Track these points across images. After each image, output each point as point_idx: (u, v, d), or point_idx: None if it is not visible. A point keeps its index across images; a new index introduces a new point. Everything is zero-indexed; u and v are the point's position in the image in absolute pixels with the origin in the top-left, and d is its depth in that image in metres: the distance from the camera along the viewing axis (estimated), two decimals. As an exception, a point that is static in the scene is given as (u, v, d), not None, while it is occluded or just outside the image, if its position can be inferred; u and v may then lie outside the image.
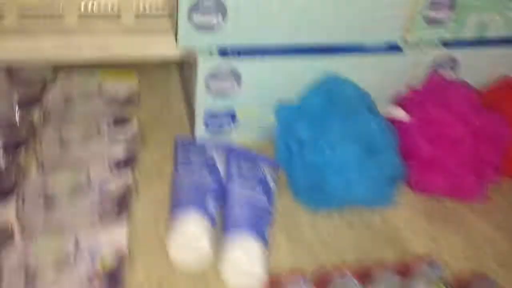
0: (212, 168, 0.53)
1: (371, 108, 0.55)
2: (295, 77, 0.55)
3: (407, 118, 0.56)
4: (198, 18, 0.50)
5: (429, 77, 0.60)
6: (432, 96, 0.56)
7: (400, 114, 0.56)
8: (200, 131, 0.57)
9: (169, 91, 0.66)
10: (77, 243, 0.44)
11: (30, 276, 0.41)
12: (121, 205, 0.49)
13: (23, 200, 0.47)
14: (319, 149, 0.51)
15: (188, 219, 0.47)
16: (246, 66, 0.52)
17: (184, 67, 0.64)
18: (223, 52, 0.52)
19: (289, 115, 0.54)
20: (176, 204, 0.49)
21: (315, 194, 0.53)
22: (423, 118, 0.55)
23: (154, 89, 0.66)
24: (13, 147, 0.54)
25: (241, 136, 0.59)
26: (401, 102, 0.58)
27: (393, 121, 0.56)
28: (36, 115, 0.59)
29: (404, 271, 0.48)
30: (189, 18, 0.49)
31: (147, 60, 0.67)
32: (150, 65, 0.69)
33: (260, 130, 0.59)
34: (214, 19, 0.50)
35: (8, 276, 0.41)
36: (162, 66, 0.70)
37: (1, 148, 0.53)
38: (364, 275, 0.47)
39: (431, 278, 0.47)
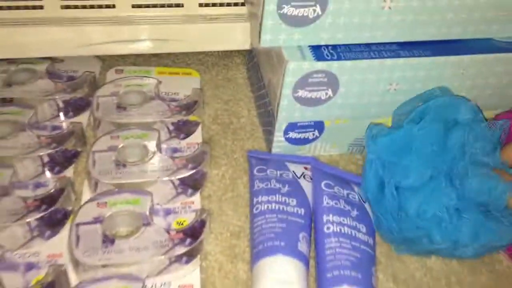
0: (298, 189, 0.44)
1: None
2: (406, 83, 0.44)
3: None
4: (289, 9, 0.39)
5: None
6: None
7: None
8: (279, 144, 0.48)
9: (235, 90, 0.57)
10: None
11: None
12: (192, 240, 0.40)
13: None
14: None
15: (278, 262, 0.37)
16: (345, 70, 0.42)
17: (254, 60, 0.53)
18: (318, 53, 0.42)
19: (389, 146, 0.42)
20: (257, 248, 0.40)
21: (411, 245, 0.42)
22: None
23: (217, 88, 0.57)
24: (63, 160, 0.45)
25: (326, 150, 0.49)
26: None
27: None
28: (85, 121, 0.50)
29: None
30: (279, 8, 0.39)
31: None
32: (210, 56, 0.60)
33: (350, 145, 0.49)
34: (310, 11, 0.40)
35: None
36: (224, 56, 0.60)
37: (49, 164, 0.45)
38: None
39: None
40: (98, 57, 0.58)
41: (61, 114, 0.50)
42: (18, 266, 0.38)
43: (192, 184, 0.45)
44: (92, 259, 0.37)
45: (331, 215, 0.42)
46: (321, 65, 0.41)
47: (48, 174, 0.45)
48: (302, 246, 0.39)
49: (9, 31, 0.48)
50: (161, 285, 0.38)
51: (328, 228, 0.41)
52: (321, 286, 0.38)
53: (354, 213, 0.43)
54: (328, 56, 0.42)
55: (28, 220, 0.39)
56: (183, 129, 0.50)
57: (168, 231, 0.40)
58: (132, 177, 0.43)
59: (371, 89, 0.44)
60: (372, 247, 0.41)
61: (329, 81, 0.42)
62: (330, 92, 0.43)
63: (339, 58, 0.41)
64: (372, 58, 0.42)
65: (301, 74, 0.41)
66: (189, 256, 0.39)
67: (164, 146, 0.48)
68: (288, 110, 0.44)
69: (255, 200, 0.43)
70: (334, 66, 0.41)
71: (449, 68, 0.44)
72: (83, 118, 0.51)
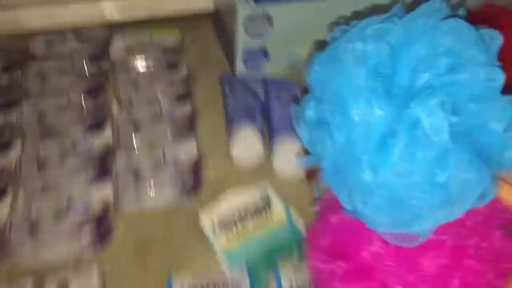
0: (254, 93, 0.68)
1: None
2: (321, 16, 0.67)
3: None
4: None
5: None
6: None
7: None
8: (240, 68, 0.71)
9: (207, 41, 0.80)
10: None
11: (33, 226, 0.52)
12: (190, 125, 0.64)
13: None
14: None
15: (243, 129, 0.62)
16: (276, 10, 0.66)
17: (218, 20, 0.77)
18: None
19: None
20: (231, 121, 0.64)
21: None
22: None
23: (194, 40, 0.80)
24: (95, 90, 0.68)
25: (272, 69, 0.73)
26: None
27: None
28: (104, 65, 0.73)
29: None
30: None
31: (185, 15, 0.80)
32: (187, 20, 0.83)
33: (289, 64, 0.73)
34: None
35: (16, 227, 0.52)
36: (198, 20, 0.83)
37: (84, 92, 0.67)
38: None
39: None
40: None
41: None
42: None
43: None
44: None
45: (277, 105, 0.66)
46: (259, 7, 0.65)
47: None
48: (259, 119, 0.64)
49: None
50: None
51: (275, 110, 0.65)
52: (272, 138, 0.62)
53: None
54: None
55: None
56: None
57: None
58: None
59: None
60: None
61: (265, 18, 0.66)
62: (268, 27, 0.67)
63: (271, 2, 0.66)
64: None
65: (247, 14, 0.65)
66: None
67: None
68: (243, 42, 0.68)
69: (228, 98, 0.67)
70: (269, 7, 0.66)
71: None
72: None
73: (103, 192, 0.55)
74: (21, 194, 0.55)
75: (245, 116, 0.64)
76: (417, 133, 0.37)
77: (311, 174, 0.60)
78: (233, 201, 0.57)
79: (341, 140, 0.41)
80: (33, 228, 0.52)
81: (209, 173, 0.61)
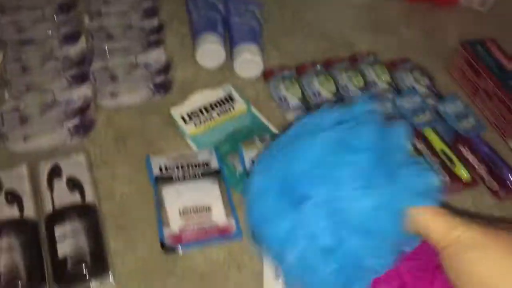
0: (215, 8, 0.75)
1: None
2: None
3: None
4: None
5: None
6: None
7: None
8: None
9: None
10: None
11: (22, 118, 0.58)
12: (158, 36, 0.70)
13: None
14: None
15: (207, 37, 0.69)
16: None
17: None
18: None
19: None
20: (196, 31, 0.71)
21: None
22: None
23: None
24: (67, 5, 0.73)
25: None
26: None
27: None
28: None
29: (354, 60, 0.73)
30: None
31: None
32: None
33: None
34: None
35: (7, 119, 0.58)
36: None
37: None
38: (327, 64, 0.71)
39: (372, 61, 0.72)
40: None
41: None
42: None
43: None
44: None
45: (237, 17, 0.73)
46: None
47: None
48: (220, 29, 0.71)
49: None
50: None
51: (234, 22, 0.72)
52: (232, 46, 0.69)
53: (251, 17, 0.74)
54: None
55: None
56: None
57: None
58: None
59: None
60: (261, 32, 0.73)
61: None
62: None
63: None
64: None
65: None
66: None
67: None
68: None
69: (193, 13, 0.74)
70: None
71: None
72: None
73: (83, 91, 0.62)
74: (7, 93, 0.61)
75: (208, 27, 0.71)
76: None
77: (268, 74, 0.69)
78: (200, 97, 0.65)
79: None
80: (23, 120, 0.59)
81: (178, 76, 0.68)
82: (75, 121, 0.59)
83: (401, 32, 0.79)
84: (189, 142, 0.61)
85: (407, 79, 0.69)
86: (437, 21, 0.82)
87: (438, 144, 0.61)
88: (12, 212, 0.52)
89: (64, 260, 0.49)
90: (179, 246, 0.52)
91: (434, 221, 0.37)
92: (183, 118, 0.62)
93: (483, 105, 0.67)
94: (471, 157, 0.61)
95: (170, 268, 0.51)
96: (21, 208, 0.53)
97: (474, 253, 0.33)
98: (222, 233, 0.52)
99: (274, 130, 0.62)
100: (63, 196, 0.53)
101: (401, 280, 0.41)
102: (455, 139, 0.62)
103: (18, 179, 0.55)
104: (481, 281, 0.32)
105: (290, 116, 0.65)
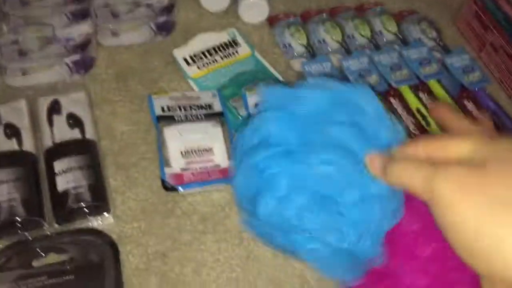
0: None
1: None
2: None
3: None
4: None
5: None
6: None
7: None
8: None
9: None
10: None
11: (20, 52, 0.57)
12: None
13: None
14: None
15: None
16: None
17: None
18: None
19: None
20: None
21: None
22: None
23: None
24: None
25: None
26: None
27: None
28: None
29: (361, 9, 0.71)
30: None
31: None
32: None
33: None
34: None
35: (5, 51, 0.56)
36: None
37: None
38: (333, 12, 0.70)
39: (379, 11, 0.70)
40: None
41: None
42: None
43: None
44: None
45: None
46: None
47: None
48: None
49: None
50: None
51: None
52: None
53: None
54: None
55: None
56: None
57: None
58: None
59: None
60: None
61: None
62: None
63: None
64: None
65: None
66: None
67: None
68: None
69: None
70: None
71: None
72: None
73: (83, 27, 0.60)
74: (6, 26, 0.59)
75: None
76: None
77: (273, 20, 0.67)
78: (204, 40, 0.63)
79: None
80: (21, 54, 0.57)
81: (181, 17, 0.66)
82: (75, 57, 0.58)
83: (409, -16, 0.77)
84: (192, 84, 0.60)
85: (414, 31, 0.68)
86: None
87: (443, 97, 0.61)
88: (10, 145, 0.51)
89: (64, 195, 0.48)
90: (180, 186, 0.51)
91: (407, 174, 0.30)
92: (185, 60, 0.61)
93: (489, 60, 0.67)
94: (475, 111, 0.61)
95: (170, 207, 0.51)
96: (20, 142, 0.52)
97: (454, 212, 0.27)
98: (224, 175, 0.52)
99: (278, 75, 0.61)
100: (63, 132, 0.52)
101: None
102: (460, 93, 0.62)
103: (17, 113, 0.53)
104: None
105: (295, 63, 0.63)
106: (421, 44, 0.65)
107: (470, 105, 0.61)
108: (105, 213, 0.49)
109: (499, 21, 0.65)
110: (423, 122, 0.58)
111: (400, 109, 0.60)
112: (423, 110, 0.59)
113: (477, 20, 0.68)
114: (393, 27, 0.68)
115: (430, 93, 0.61)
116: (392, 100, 0.61)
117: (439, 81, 0.62)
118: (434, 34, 0.68)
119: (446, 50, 0.67)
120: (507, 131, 0.59)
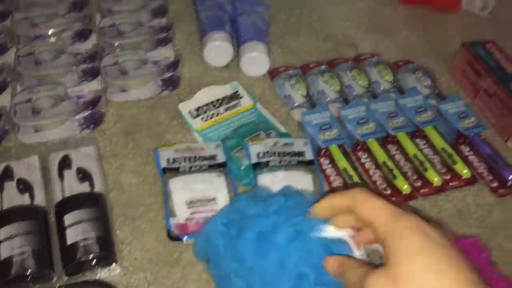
0: (223, 7, 0.77)
1: None
2: None
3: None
4: None
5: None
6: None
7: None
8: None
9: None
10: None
11: (34, 111, 0.60)
12: (168, 35, 0.72)
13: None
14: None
15: (215, 34, 0.71)
16: None
17: None
18: None
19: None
20: (204, 29, 0.72)
21: None
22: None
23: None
24: (80, 3, 0.75)
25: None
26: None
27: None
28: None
29: (358, 60, 0.74)
30: None
31: None
32: None
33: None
34: None
35: (19, 110, 0.60)
36: None
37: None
38: (331, 64, 0.73)
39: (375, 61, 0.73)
40: None
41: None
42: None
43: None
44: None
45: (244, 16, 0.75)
46: None
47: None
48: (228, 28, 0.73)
49: None
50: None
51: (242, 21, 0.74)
52: (240, 44, 0.71)
53: (258, 16, 0.76)
54: None
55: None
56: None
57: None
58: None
59: None
60: (267, 31, 0.75)
61: None
62: None
63: None
64: None
65: None
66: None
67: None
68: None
69: (201, 12, 0.75)
70: None
71: None
72: None
73: (94, 85, 0.64)
74: (20, 86, 0.62)
75: (216, 25, 0.72)
76: None
77: (274, 72, 0.70)
78: (207, 93, 0.66)
79: None
80: (34, 112, 0.60)
81: (186, 73, 0.70)
82: (86, 113, 0.61)
83: (404, 34, 0.81)
84: (196, 136, 0.62)
85: (410, 79, 0.71)
86: (439, 25, 0.83)
87: (440, 142, 0.62)
88: (23, 200, 0.53)
89: (73, 248, 0.50)
90: (185, 236, 0.53)
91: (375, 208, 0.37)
92: (190, 113, 0.64)
93: (484, 105, 0.69)
94: (471, 156, 0.62)
95: (176, 257, 0.52)
96: (32, 197, 0.54)
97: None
98: (227, 224, 0.54)
99: (279, 126, 0.64)
100: (73, 186, 0.55)
101: None
102: (457, 138, 0.64)
103: (30, 169, 0.56)
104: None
105: (295, 113, 0.66)
106: (416, 92, 0.67)
107: (466, 150, 0.63)
108: (112, 264, 0.51)
109: (491, 68, 0.68)
110: (420, 168, 0.60)
111: (398, 156, 0.62)
112: (420, 156, 0.61)
113: (470, 67, 0.70)
114: (389, 76, 0.71)
115: (427, 139, 0.63)
116: (390, 146, 0.63)
117: (435, 128, 0.64)
118: (429, 82, 0.71)
119: (442, 97, 0.69)
120: (504, 176, 0.60)
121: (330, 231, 0.43)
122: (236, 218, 0.47)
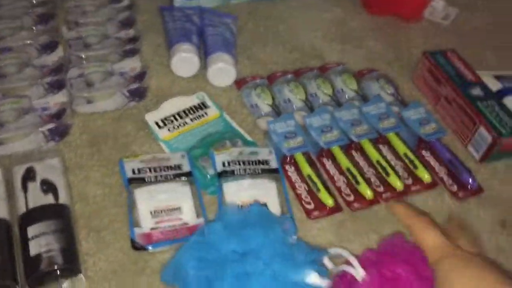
0: (190, 19, 0.78)
1: None
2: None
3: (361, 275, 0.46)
4: None
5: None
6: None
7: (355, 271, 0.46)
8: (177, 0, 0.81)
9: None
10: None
11: None
12: (134, 46, 0.73)
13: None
14: None
15: (182, 46, 0.71)
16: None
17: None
18: None
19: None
20: (171, 40, 0.73)
21: None
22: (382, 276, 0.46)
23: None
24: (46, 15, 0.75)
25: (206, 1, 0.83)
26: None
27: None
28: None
29: (323, 69, 0.76)
30: None
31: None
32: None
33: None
34: None
35: None
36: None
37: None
38: (297, 73, 0.74)
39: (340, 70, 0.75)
40: None
41: None
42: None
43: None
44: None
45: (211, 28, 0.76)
46: None
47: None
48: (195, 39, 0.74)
49: None
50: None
51: (209, 33, 0.75)
52: (206, 55, 0.72)
53: (225, 28, 0.77)
54: None
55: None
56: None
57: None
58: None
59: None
60: (234, 42, 0.76)
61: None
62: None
63: None
64: None
65: None
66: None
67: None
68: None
69: (168, 24, 0.76)
70: None
71: None
72: None
73: (59, 97, 0.64)
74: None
75: (183, 36, 0.73)
76: None
77: (240, 82, 0.71)
78: (174, 104, 0.67)
79: None
80: (-3, 126, 0.60)
81: (153, 84, 0.70)
82: (51, 125, 0.61)
83: (368, 44, 0.83)
84: (163, 146, 0.63)
85: (374, 87, 0.72)
86: (402, 34, 0.86)
87: (402, 148, 0.64)
88: (-15, 213, 0.53)
89: (36, 260, 0.50)
90: (149, 245, 0.53)
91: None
92: (157, 124, 0.64)
93: (444, 112, 0.71)
94: (432, 161, 0.64)
95: (141, 267, 0.52)
96: (-7, 210, 0.54)
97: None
98: (192, 232, 0.54)
99: (245, 135, 0.65)
100: (37, 198, 0.55)
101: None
102: (418, 144, 0.65)
103: (-7, 182, 0.56)
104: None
105: (261, 122, 0.67)
106: (379, 99, 0.69)
107: (427, 155, 0.65)
108: (76, 275, 0.50)
109: (451, 76, 0.70)
110: (383, 173, 0.61)
111: (361, 162, 0.63)
112: (383, 162, 0.62)
113: (431, 75, 0.72)
114: (353, 85, 0.72)
115: (389, 145, 0.65)
116: (353, 153, 0.64)
117: (397, 134, 0.65)
118: (392, 89, 0.72)
119: (404, 104, 0.71)
120: (463, 180, 0.62)
121: (312, 278, 0.45)
122: (210, 255, 0.47)
